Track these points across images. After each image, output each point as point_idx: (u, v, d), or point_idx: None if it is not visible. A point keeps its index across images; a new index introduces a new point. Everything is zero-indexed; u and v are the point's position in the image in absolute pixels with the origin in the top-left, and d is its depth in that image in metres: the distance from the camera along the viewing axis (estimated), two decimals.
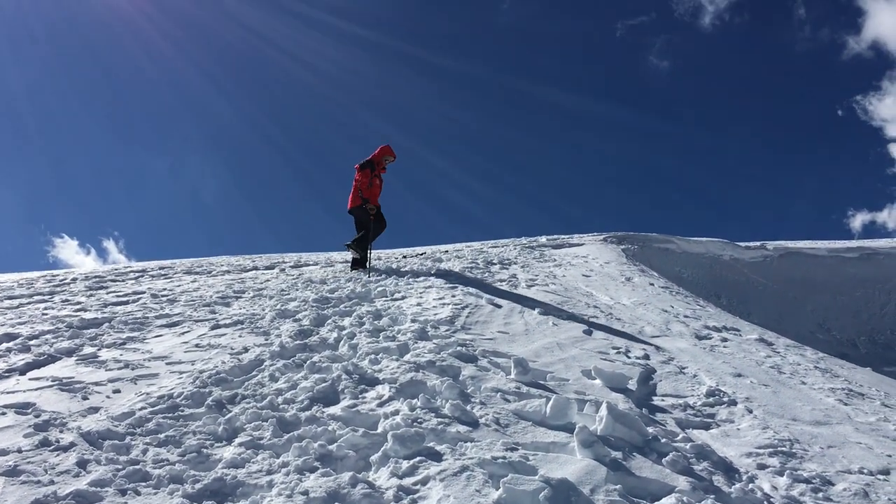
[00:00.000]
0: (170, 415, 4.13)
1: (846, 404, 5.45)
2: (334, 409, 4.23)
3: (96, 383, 4.74)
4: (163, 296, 8.24)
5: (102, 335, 6.14)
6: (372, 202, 10.60)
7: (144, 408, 4.21)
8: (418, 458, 3.51)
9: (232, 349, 5.65)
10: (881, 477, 3.91)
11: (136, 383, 4.80)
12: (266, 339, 5.98)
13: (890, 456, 4.26)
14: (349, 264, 10.99)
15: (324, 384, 4.60)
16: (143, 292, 8.46)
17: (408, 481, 3.31)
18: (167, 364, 5.28)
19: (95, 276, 9.82)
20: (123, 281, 9.55)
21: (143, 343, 5.95)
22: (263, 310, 7.30)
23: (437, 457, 3.55)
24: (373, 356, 5.26)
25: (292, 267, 11.57)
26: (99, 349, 5.69)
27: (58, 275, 10.15)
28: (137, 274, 10.27)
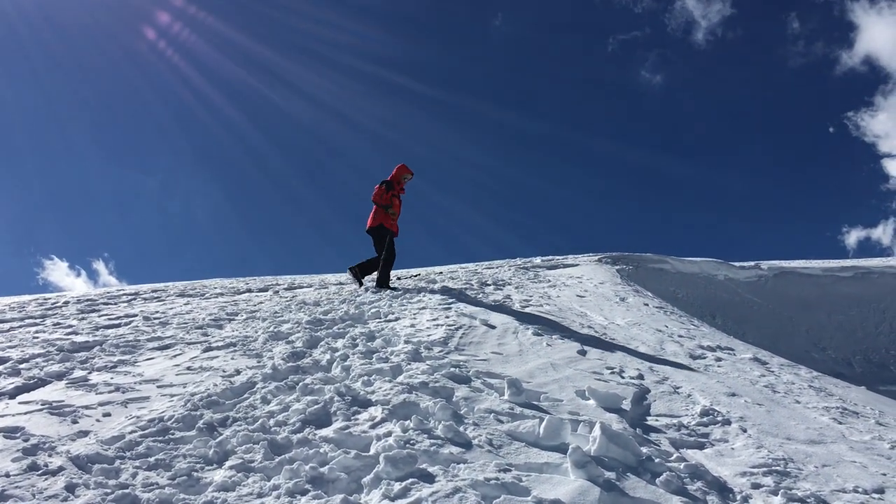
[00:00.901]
0: (160, 438, 4.10)
1: (840, 423, 5.43)
2: (326, 431, 4.20)
3: (86, 407, 4.71)
4: (155, 318, 8.21)
5: (93, 358, 6.11)
6: (392, 226, 10.70)
7: (135, 431, 4.18)
8: (410, 480, 3.48)
9: (224, 371, 5.62)
10: (876, 496, 3.89)
11: (126, 406, 4.77)
12: (258, 362, 5.95)
13: (885, 474, 4.24)
14: (355, 281, 11.06)
15: (316, 406, 4.57)
16: (136, 315, 8.42)
17: (400, 503, 3.28)
18: (158, 387, 5.25)
19: (87, 300, 9.78)
20: (116, 304, 9.52)
21: (135, 366, 5.92)
22: (256, 332, 7.28)
23: (429, 478, 3.52)
24: (366, 378, 5.23)
25: (286, 289, 11.55)
26: (90, 372, 5.66)
27: (49, 298, 10.11)
28: (130, 297, 10.24)
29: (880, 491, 3.96)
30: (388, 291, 10.22)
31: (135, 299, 10.02)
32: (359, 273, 11.02)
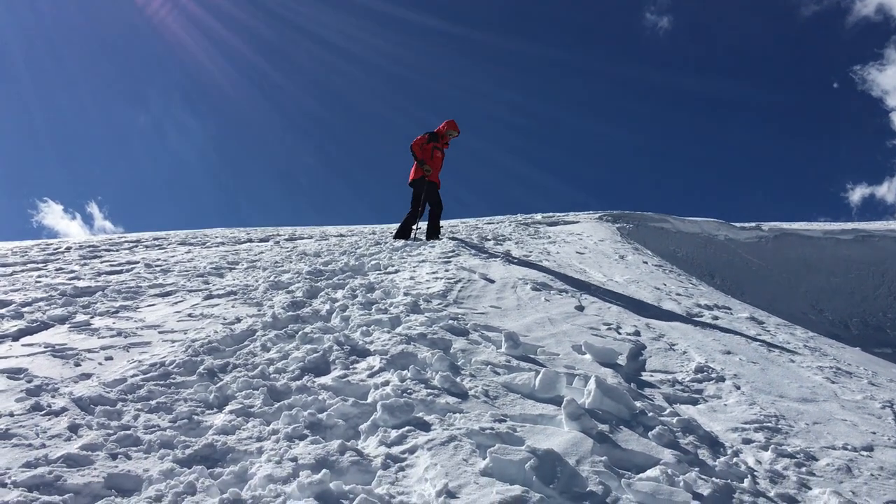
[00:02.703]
0: (161, 382, 4.16)
1: (833, 382, 5.50)
2: (325, 379, 4.25)
3: (89, 350, 4.76)
4: (157, 266, 8.25)
5: (95, 303, 6.16)
6: (432, 176, 10.79)
7: (136, 375, 4.24)
8: (407, 428, 3.54)
9: (224, 319, 5.67)
10: (864, 453, 3.96)
11: (128, 351, 4.82)
12: (259, 310, 6.00)
13: (874, 433, 4.31)
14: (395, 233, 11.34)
15: (315, 355, 4.63)
16: (137, 262, 8.46)
17: (396, 450, 3.34)
18: (160, 333, 5.30)
19: (90, 246, 9.82)
20: (117, 251, 9.55)
21: (136, 312, 5.97)
22: (257, 281, 7.32)
23: (425, 427, 3.58)
24: (364, 328, 5.28)
25: (287, 240, 11.57)
26: (92, 317, 5.71)
27: (52, 244, 10.14)
28: (132, 244, 10.27)
29: (869, 449, 4.03)
30: (401, 242, 10.41)
31: (136, 246, 10.05)
32: (405, 234, 11.27)
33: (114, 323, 5.53)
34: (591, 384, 4.04)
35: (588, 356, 5.06)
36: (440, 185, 11.18)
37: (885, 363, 8.14)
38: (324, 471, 3.05)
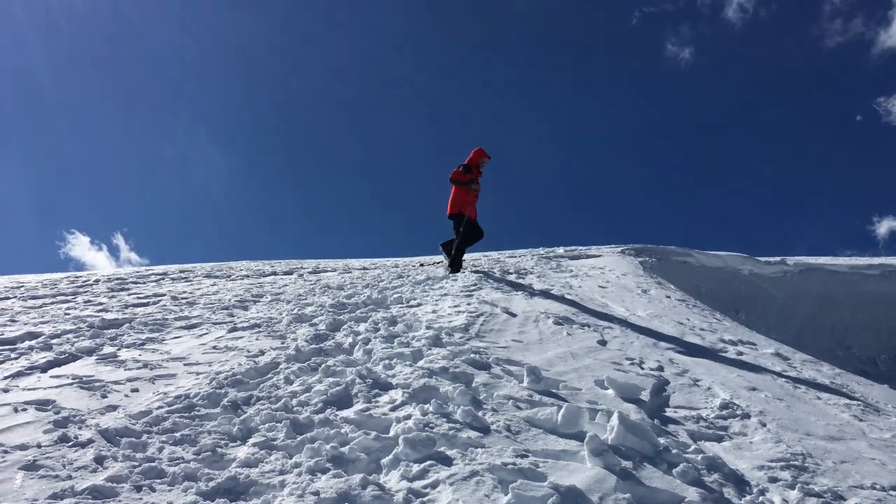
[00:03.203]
0: (186, 414, 4.20)
1: (861, 420, 5.41)
2: (347, 413, 4.27)
3: (115, 382, 4.82)
4: (182, 298, 8.35)
5: (122, 335, 6.24)
6: (469, 211, 11.00)
7: (161, 407, 4.28)
8: (429, 462, 3.54)
9: (248, 352, 5.72)
10: (893, 493, 3.89)
11: (153, 383, 4.88)
12: (282, 343, 6.04)
13: None
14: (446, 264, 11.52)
15: (338, 388, 4.65)
16: (164, 294, 8.57)
17: (417, 484, 3.34)
18: (185, 365, 5.36)
19: (117, 279, 9.96)
20: (144, 283, 9.68)
21: (162, 344, 6.04)
22: (280, 314, 7.38)
23: (447, 461, 3.58)
24: (387, 361, 5.30)
25: (310, 273, 11.66)
26: (119, 349, 5.78)
27: (81, 276, 10.30)
28: (158, 277, 10.40)
29: None
30: (426, 275, 10.55)
31: (163, 279, 10.18)
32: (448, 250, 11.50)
33: (140, 355, 5.60)
34: (615, 420, 4.02)
35: (611, 391, 5.03)
36: (475, 219, 11.30)
37: None
38: None
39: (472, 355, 5.57)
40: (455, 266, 11.35)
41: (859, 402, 6.07)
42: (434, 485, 3.33)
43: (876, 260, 22.94)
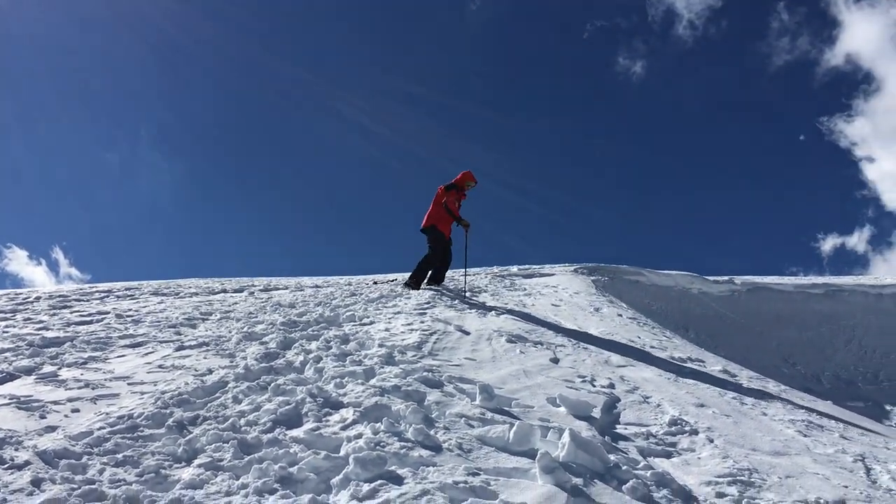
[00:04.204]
0: (129, 435, 4.08)
1: (806, 436, 5.52)
2: (297, 432, 4.20)
3: (55, 402, 4.67)
4: (128, 316, 8.15)
5: (64, 354, 6.05)
6: (446, 231, 11.23)
7: (103, 427, 4.15)
8: (379, 482, 3.50)
9: (196, 370, 5.60)
10: None
11: (95, 403, 4.73)
12: (231, 361, 5.93)
13: (846, 487, 4.32)
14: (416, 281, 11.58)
15: (287, 407, 4.57)
16: (108, 312, 8.36)
17: None
18: (129, 384, 5.22)
19: (59, 296, 9.69)
20: (88, 300, 9.43)
21: (105, 363, 5.87)
22: (230, 332, 7.25)
23: (398, 480, 3.54)
24: (338, 380, 5.24)
25: (261, 290, 11.51)
26: (59, 368, 5.61)
27: (21, 293, 9.99)
28: (103, 294, 10.15)
29: (841, 502, 4.03)
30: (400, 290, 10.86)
31: (108, 297, 9.94)
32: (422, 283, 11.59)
33: (82, 374, 5.44)
34: (566, 437, 4.03)
35: (563, 409, 5.04)
36: (448, 239, 11.44)
37: (856, 417, 8.19)
38: None
39: (425, 373, 5.54)
40: (415, 283, 11.37)
41: (804, 419, 6.19)
42: None
43: (820, 279, 23.55)
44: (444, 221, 11.20)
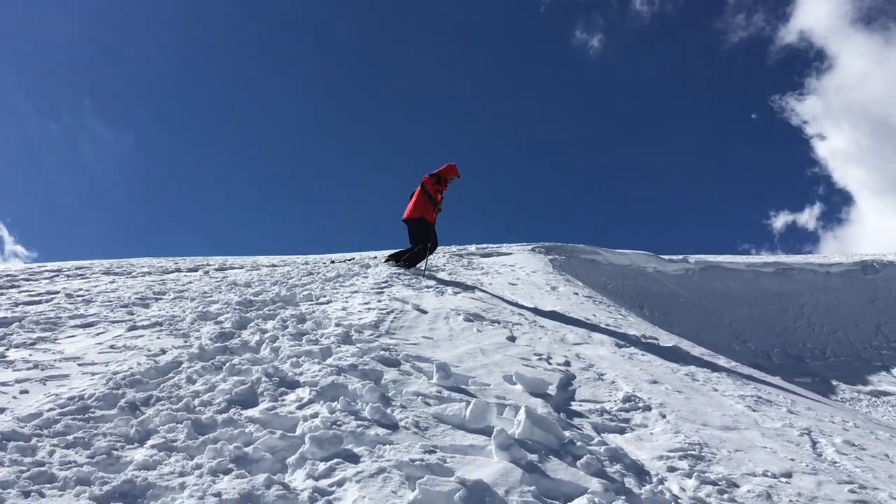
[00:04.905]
0: (79, 416, 4.00)
1: (755, 411, 5.66)
2: (252, 412, 4.17)
3: (3, 384, 4.56)
4: (78, 296, 7.98)
5: (11, 335, 5.90)
6: (432, 218, 11.32)
7: (53, 409, 4.07)
8: (336, 461, 3.49)
9: (149, 351, 5.51)
10: (783, 479, 4.08)
11: (45, 384, 4.63)
12: (185, 342, 5.85)
13: (792, 460, 4.45)
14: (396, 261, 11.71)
15: (243, 387, 4.53)
16: (58, 292, 8.17)
17: (324, 483, 3.29)
18: (79, 365, 5.12)
19: (7, 275, 9.43)
20: (37, 280, 9.20)
21: (55, 343, 5.75)
22: (184, 312, 7.15)
23: (354, 459, 3.54)
24: (294, 359, 5.21)
25: (217, 270, 11.36)
26: (7, 349, 5.47)
27: None
28: (52, 273, 9.91)
29: (788, 475, 4.15)
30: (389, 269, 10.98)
31: (57, 276, 9.71)
32: (398, 261, 11.71)
33: (30, 355, 5.31)
34: (521, 414, 4.07)
35: (519, 386, 5.09)
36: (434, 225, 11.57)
37: (804, 392, 8.43)
38: None
39: (382, 352, 5.53)
40: (407, 262, 11.50)
41: (753, 394, 6.34)
42: (340, 483, 3.29)
43: (771, 258, 24.09)
44: (430, 211, 11.32)
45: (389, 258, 12.10)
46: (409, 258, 11.60)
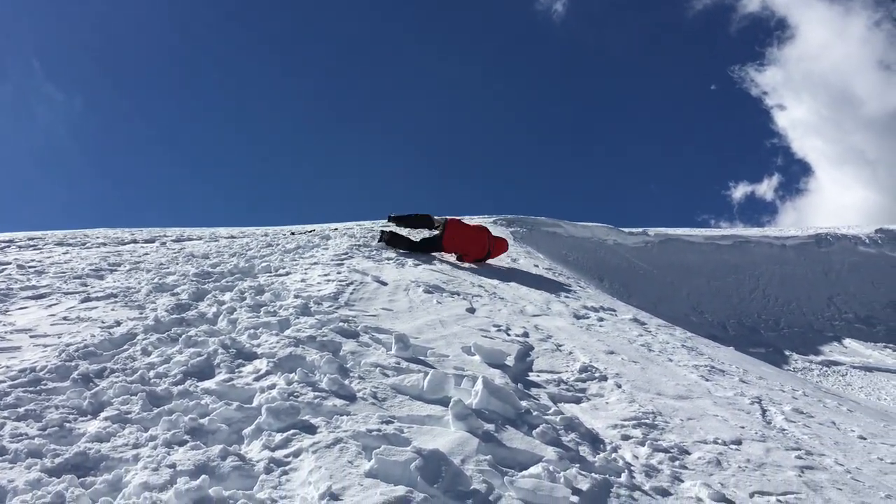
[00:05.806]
0: (31, 389, 3.93)
1: (707, 380, 5.78)
2: (208, 384, 4.14)
3: None
4: (30, 267, 7.81)
5: None
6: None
7: (3, 381, 3.99)
8: (292, 431, 3.49)
9: (103, 322, 5.43)
10: (733, 446, 4.18)
11: None
12: (140, 313, 5.77)
13: (742, 427, 4.56)
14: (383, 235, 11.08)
15: (199, 358, 4.49)
16: (9, 263, 7.99)
17: (280, 453, 3.29)
18: (31, 337, 5.02)
19: None
20: None
21: (6, 315, 5.63)
22: (139, 283, 7.04)
23: (311, 430, 3.54)
24: (252, 331, 5.17)
25: (174, 241, 11.20)
26: None
27: None
28: (3, 244, 9.68)
29: (738, 442, 4.26)
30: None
31: (8, 247, 9.49)
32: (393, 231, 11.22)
33: None
34: (479, 385, 4.10)
35: (477, 357, 5.13)
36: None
37: (756, 362, 8.63)
38: (203, 477, 2.97)
39: (341, 324, 5.52)
40: (388, 238, 10.82)
41: (707, 364, 6.48)
42: (297, 453, 3.29)
43: (729, 231, 24.49)
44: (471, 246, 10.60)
45: (390, 237, 11.00)
46: (408, 246, 10.79)
